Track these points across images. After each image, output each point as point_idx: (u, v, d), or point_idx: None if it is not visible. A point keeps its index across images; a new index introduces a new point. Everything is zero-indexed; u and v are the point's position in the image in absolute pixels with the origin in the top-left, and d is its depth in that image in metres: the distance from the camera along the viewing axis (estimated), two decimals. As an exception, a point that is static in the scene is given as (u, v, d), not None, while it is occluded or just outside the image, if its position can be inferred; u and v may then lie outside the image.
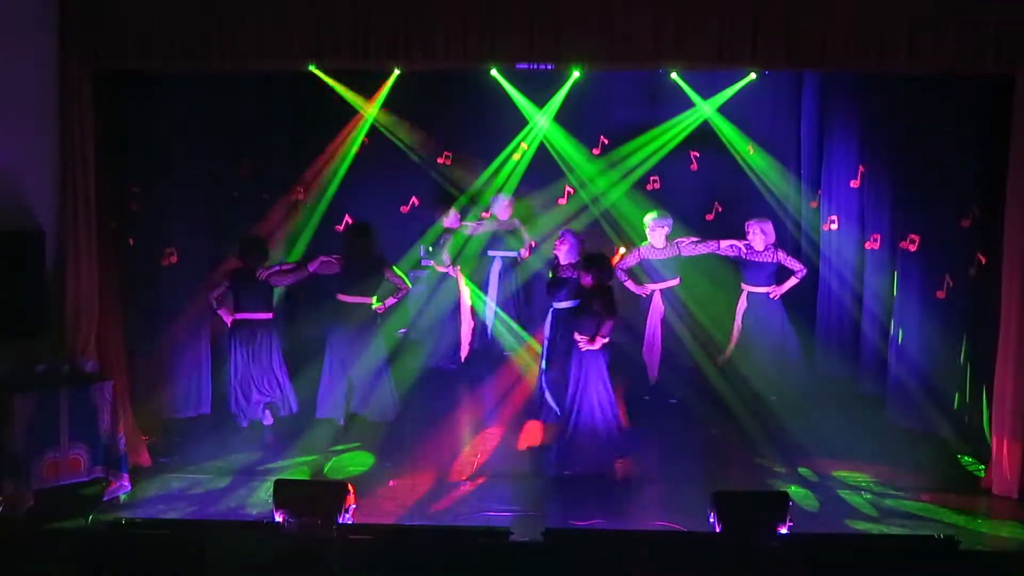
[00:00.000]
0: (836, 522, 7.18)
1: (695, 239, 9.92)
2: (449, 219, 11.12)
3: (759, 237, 9.52)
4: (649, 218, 9.85)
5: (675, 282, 9.99)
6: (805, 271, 9.61)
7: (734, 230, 10.27)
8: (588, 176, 11.46)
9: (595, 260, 8.26)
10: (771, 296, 9.59)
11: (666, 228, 9.79)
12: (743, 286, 9.74)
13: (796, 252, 11.11)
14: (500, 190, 11.24)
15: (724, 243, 9.72)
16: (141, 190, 8.83)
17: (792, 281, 9.57)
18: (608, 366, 8.24)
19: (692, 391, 9.68)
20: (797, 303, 10.72)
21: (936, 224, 8.73)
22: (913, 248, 8.87)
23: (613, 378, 8.32)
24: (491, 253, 11.22)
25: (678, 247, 9.83)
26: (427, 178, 11.76)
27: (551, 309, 9.23)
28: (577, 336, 8.17)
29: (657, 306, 9.97)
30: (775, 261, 9.53)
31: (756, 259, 9.56)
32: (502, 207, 11.03)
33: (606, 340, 8.14)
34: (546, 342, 9.22)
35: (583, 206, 11.48)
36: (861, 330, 10.00)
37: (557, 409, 8.74)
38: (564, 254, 9.04)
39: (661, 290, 9.95)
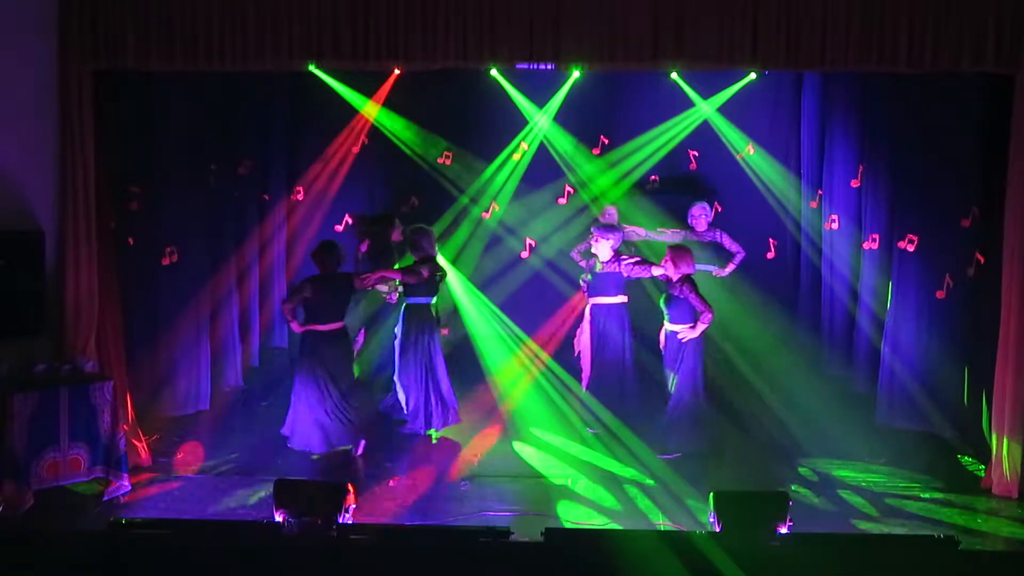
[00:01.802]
0: (836, 522, 7.18)
1: (636, 259, 9.02)
2: (605, 218, 10.37)
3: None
4: (593, 226, 9.31)
5: (620, 299, 9.14)
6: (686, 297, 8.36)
7: (734, 230, 10.30)
8: (588, 176, 11.44)
9: (320, 249, 8.47)
10: (679, 337, 8.44)
11: (612, 240, 9.01)
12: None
13: (796, 251, 11.14)
14: (701, 199, 10.37)
15: (655, 269, 8.75)
16: (141, 190, 8.84)
17: (701, 327, 8.34)
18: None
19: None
20: (799, 304, 10.75)
21: (936, 224, 8.73)
22: (912, 248, 8.87)
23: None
24: None
25: (620, 264, 9.01)
26: (427, 177, 11.72)
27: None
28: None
29: (586, 325, 9.21)
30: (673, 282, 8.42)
31: (671, 290, 8.49)
32: (698, 217, 10.16)
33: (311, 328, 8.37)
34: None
35: (583, 206, 11.47)
36: (862, 330, 9.99)
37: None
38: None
39: (603, 306, 9.14)
